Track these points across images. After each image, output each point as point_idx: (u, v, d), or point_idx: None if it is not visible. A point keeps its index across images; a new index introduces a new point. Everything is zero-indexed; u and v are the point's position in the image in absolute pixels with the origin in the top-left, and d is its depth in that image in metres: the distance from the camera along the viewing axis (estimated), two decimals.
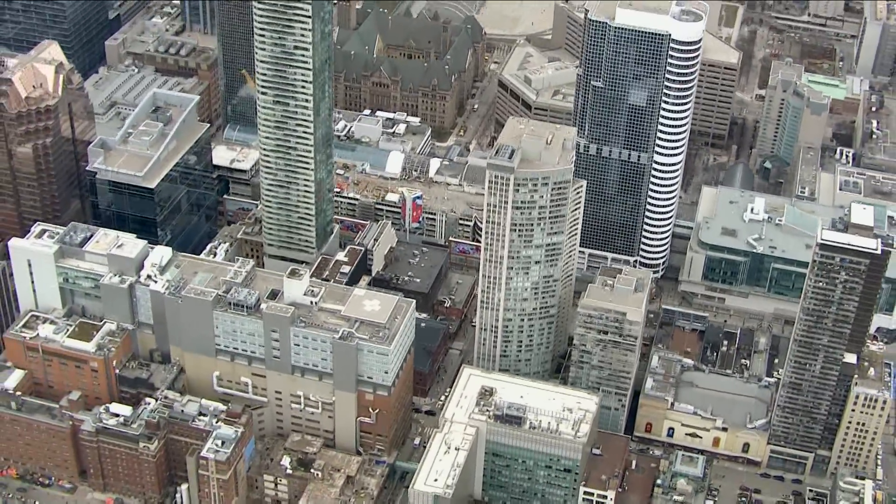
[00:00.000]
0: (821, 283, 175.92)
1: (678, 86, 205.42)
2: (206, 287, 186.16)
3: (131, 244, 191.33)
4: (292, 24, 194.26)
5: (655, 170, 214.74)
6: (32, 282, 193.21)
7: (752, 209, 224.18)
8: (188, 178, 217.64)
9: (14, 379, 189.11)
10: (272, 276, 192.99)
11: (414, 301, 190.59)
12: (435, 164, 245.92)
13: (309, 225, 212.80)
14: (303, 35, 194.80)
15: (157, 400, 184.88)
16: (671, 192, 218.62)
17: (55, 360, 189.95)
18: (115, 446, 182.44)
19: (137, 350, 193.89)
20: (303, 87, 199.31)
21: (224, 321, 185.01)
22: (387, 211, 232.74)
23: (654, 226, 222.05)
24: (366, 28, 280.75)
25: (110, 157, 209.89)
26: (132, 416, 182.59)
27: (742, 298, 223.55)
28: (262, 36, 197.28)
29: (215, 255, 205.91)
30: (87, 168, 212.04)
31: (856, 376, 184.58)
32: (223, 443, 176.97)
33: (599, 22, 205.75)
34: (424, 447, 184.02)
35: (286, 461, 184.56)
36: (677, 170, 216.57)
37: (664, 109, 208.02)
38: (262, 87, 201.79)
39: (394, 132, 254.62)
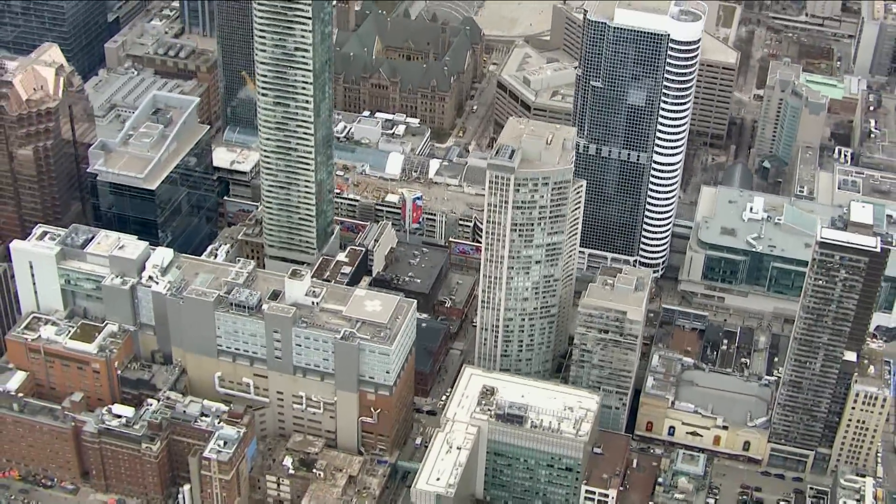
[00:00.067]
0: (821, 282, 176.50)
1: (677, 85, 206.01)
2: (207, 288, 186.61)
3: (133, 246, 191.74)
4: (293, 25, 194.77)
5: (655, 169, 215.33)
6: (34, 283, 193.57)
7: (751, 209, 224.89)
8: (189, 180, 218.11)
9: (16, 380, 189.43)
10: (273, 276, 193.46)
11: (415, 301, 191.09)
12: (434, 164, 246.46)
13: (309, 226, 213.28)
14: (303, 36, 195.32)
15: (159, 401, 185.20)
16: (671, 191, 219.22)
17: (57, 361, 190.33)
18: (118, 447, 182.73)
19: (139, 351, 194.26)
20: (303, 88, 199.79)
21: (226, 322, 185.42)
22: (387, 212, 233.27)
23: (654, 225, 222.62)
24: (365, 30, 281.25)
25: (111, 158, 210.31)
26: (134, 417, 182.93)
27: (742, 297, 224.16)
28: (263, 37, 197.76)
29: (216, 256, 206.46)
30: (87, 170, 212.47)
31: (856, 374, 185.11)
32: (225, 443, 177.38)
33: (598, 22, 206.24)
34: (426, 447, 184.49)
35: (288, 461, 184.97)
36: (677, 169, 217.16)
37: (663, 109, 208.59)
38: (263, 88, 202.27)
39: (393, 133, 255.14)
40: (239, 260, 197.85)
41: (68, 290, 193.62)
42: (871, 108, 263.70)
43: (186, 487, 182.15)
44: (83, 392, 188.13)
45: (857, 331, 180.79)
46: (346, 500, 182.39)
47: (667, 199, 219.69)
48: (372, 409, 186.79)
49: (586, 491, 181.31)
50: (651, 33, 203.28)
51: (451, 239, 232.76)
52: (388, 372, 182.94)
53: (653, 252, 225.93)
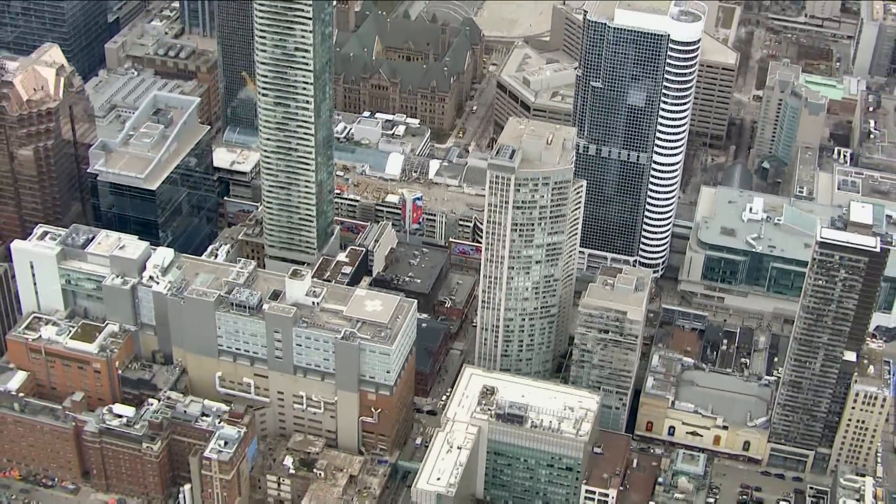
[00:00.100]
0: (820, 281, 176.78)
1: (677, 86, 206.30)
2: (208, 288, 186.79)
3: (133, 246, 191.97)
4: (293, 26, 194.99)
5: (655, 170, 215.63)
6: (35, 283, 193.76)
7: (750, 209, 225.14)
8: (189, 180, 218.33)
9: (17, 380, 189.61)
10: (274, 276, 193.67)
11: (415, 301, 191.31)
12: (434, 165, 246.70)
13: (310, 226, 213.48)
14: (303, 37, 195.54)
15: (159, 401, 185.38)
16: (670, 191, 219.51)
17: (58, 361, 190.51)
18: (118, 447, 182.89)
19: (140, 351, 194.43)
20: (304, 88, 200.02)
21: (226, 322, 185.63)
22: (387, 212, 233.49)
23: (654, 226, 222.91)
24: (364, 30, 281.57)
25: (111, 159, 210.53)
26: (135, 416, 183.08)
27: (741, 298, 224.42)
28: (263, 38, 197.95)
29: (216, 256, 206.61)
30: (88, 170, 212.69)
31: (855, 374, 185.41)
32: (226, 443, 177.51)
33: (598, 23, 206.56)
34: (426, 447, 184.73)
35: (289, 461, 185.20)
36: (676, 170, 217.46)
37: (663, 109, 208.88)
38: (263, 88, 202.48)
39: (393, 134, 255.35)
40: (239, 260, 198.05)
41: (69, 290, 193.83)
42: (871, 109, 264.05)
43: (187, 487, 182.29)
44: (84, 392, 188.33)
45: (856, 331, 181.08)
46: (347, 500, 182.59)
47: (667, 199, 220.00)
48: (372, 409, 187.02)
49: (586, 491, 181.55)
50: (651, 34, 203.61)
51: (451, 239, 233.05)
52: (388, 372, 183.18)
53: (652, 252, 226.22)
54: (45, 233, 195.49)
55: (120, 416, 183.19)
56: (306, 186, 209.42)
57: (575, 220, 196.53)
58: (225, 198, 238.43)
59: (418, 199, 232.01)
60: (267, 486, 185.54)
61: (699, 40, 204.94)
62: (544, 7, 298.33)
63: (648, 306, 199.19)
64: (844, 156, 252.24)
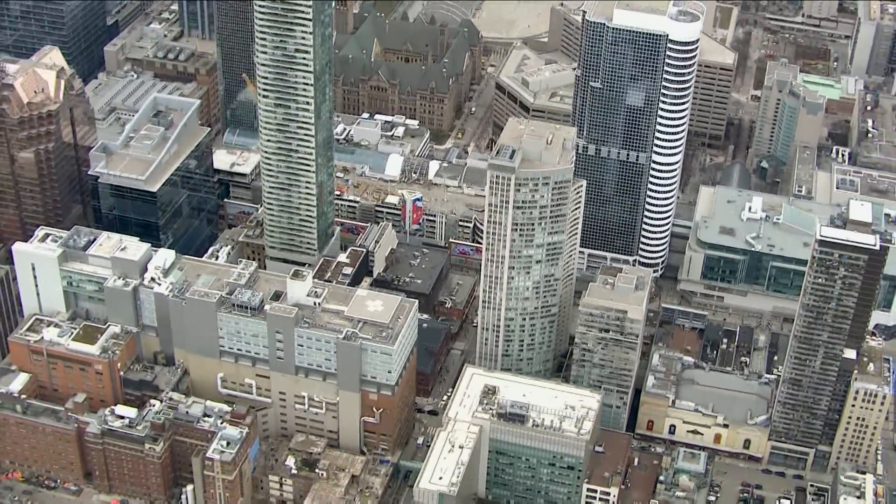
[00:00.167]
0: (820, 280, 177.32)
1: (676, 85, 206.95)
2: (209, 289, 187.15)
3: (135, 247, 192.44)
4: (293, 27, 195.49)
5: (654, 169, 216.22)
6: (36, 285, 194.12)
7: (749, 208, 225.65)
8: (189, 182, 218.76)
9: (19, 382, 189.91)
10: (275, 277, 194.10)
11: (416, 301, 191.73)
12: (434, 166, 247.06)
13: (310, 227, 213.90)
14: (304, 38, 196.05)
15: (161, 402, 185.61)
16: (670, 191, 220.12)
17: (60, 363, 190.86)
18: (121, 448, 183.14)
19: (141, 352, 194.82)
20: (304, 89, 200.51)
21: (228, 323, 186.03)
22: (387, 213, 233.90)
23: (653, 225, 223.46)
24: (363, 32, 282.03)
25: (112, 161, 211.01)
26: (137, 417, 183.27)
27: (741, 297, 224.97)
28: (264, 39, 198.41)
29: (217, 258, 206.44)
30: (89, 172, 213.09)
31: (855, 372, 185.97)
32: (228, 443, 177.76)
33: (597, 23, 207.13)
34: (427, 447, 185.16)
35: (291, 461, 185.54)
36: (676, 169, 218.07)
37: (662, 109, 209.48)
38: (264, 90, 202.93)
39: (392, 135, 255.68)
40: (241, 261, 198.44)
41: (70, 291, 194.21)
42: (869, 108, 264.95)
43: (189, 488, 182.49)
44: (86, 393, 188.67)
45: (856, 328, 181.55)
46: (349, 500, 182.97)
47: (666, 198, 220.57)
48: (374, 409, 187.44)
49: (588, 489, 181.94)
50: (650, 34, 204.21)
51: (451, 240, 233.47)
52: (390, 372, 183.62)
53: (652, 252, 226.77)
54: (47, 235, 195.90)
55: (122, 418, 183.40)
56: (307, 187, 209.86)
57: (575, 219, 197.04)
58: (225, 200, 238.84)
59: (418, 199, 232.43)
60: (269, 486, 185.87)
61: (698, 40, 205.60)
62: (542, 8, 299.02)
63: (648, 306, 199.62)
64: (843, 155, 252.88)
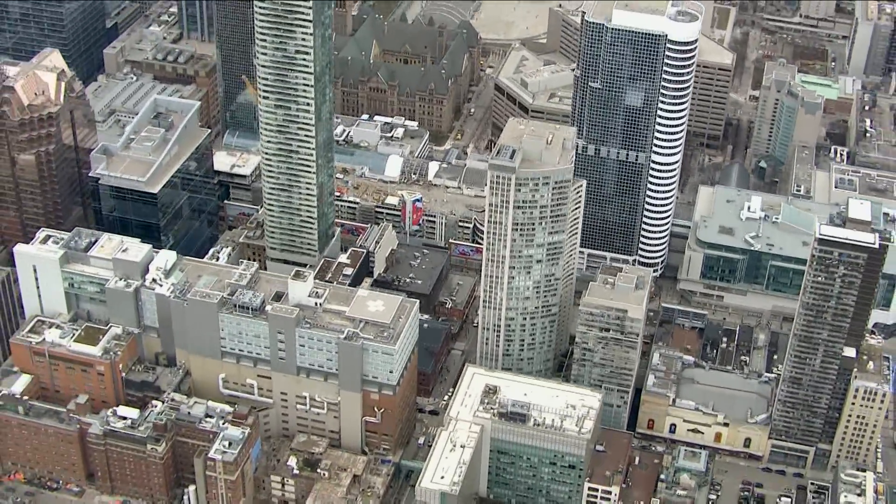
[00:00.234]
0: (820, 278, 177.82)
1: (675, 86, 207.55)
2: (210, 290, 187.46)
3: (136, 248, 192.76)
4: (293, 28, 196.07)
5: (653, 169, 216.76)
6: (38, 287, 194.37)
7: (748, 208, 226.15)
8: (190, 184, 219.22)
9: (21, 383, 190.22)
10: (276, 278, 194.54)
11: (417, 301, 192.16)
12: (433, 167, 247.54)
13: (311, 228, 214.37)
14: (304, 39, 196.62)
15: (163, 402, 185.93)
16: (669, 191, 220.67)
17: (61, 364, 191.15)
18: (123, 449, 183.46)
19: (143, 353, 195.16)
20: (304, 91, 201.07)
21: (229, 323, 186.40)
22: (387, 214, 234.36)
23: (653, 225, 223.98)
24: (362, 34, 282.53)
25: (113, 162, 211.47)
26: (139, 418, 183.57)
27: (740, 296, 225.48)
28: (264, 41, 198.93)
29: (218, 259, 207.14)
30: (89, 174, 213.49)
31: (855, 370, 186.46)
32: (230, 444, 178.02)
33: (596, 23, 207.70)
34: (429, 446, 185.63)
35: (293, 461, 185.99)
36: (675, 169, 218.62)
37: (661, 109, 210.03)
38: (264, 91, 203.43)
39: (392, 136, 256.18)
40: (242, 262, 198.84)
41: (72, 293, 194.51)
42: (866, 108, 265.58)
43: (192, 488, 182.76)
44: (88, 394, 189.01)
45: (856, 327, 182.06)
46: (351, 500, 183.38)
47: (665, 198, 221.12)
48: (375, 409, 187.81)
49: (589, 488, 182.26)
50: (649, 34, 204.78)
51: (450, 240, 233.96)
52: (391, 371, 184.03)
53: (652, 251, 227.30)
54: (48, 236, 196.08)
55: (124, 418, 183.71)
56: (307, 189, 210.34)
57: (575, 219, 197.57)
58: (225, 201, 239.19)
59: (418, 200, 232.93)
60: (271, 486, 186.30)
61: (697, 40, 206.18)
62: (541, 9, 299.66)
63: (648, 305, 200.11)
64: (841, 154, 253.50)
